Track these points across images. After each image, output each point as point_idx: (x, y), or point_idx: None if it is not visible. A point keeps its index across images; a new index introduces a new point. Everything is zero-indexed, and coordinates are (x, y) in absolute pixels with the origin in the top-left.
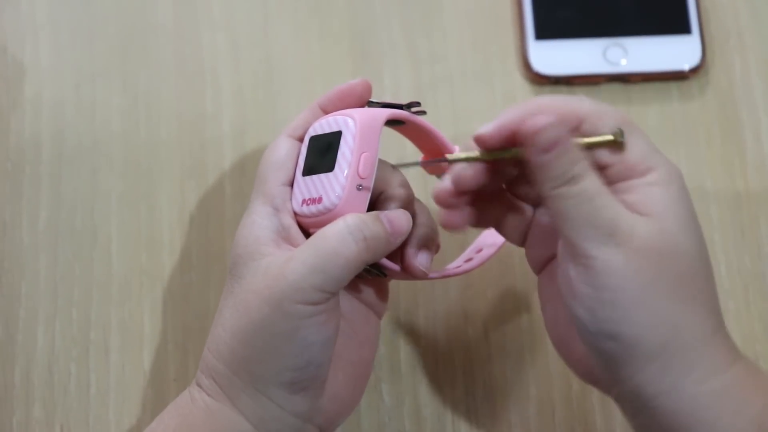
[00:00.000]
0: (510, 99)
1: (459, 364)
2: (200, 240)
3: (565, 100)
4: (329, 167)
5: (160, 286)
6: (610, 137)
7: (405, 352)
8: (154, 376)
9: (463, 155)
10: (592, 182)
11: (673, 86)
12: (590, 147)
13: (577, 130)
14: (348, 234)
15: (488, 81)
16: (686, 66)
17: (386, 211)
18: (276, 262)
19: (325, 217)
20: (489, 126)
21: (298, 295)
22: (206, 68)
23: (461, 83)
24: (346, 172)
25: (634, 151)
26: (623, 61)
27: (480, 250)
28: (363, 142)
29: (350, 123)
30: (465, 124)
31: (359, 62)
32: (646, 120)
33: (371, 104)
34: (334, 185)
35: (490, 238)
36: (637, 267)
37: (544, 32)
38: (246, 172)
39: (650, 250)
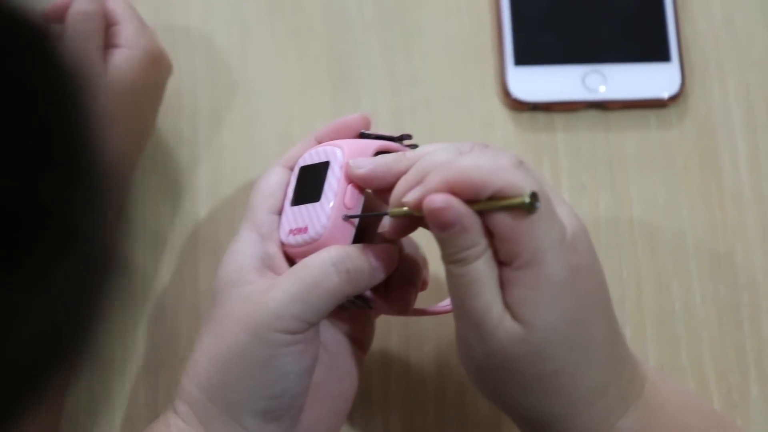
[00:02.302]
0: (488, 124)
1: (431, 392)
2: (173, 263)
3: (488, 169)
4: (316, 197)
5: (131, 310)
6: (519, 200)
7: (377, 378)
8: (124, 400)
9: (402, 211)
10: (475, 269)
11: (651, 114)
12: (500, 209)
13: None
14: (331, 265)
15: (466, 106)
16: (665, 94)
17: (373, 245)
18: (257, 289)
19: (310, 247)
20: (364, 169)
21: (278, 323)
22: (183, 89)
23: (439, 107)
24: (331, 202)
25: (530, 238)
26: (602, 88)
27: None
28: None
29: (338, 153)
30: None
31: (337, 85)
32: (624, 147)
33: (364, 135)
34: (320, 215)
35: None
36: (493, 365)
37: (523, 58)
38: (221, 195)
39: (506, 354)
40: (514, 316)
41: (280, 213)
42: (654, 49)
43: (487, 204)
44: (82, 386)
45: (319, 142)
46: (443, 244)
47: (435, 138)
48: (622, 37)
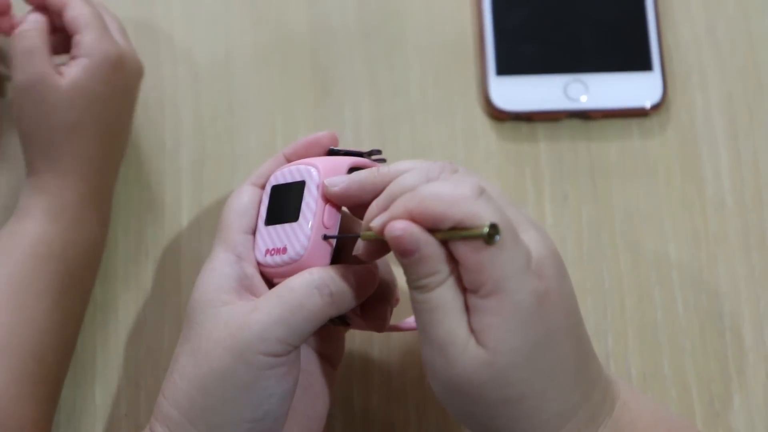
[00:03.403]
0: (470, 134)
1: (412, 402)
2: (155, 274)
3: (449, 200)
4: (293, 217)
5: (113, 320)
6: (478, 232)
7: (357, 389)
8: (105, 411)
9: (371, 235)
10: (437, 296)
11: (633, 123)
12: (460, 239)
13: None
14: (314, 288)
15: (449, 116)
16: (647, 103)
17: (354, 266)
18: (239, 311)
19: (290, 268)
20: (338, 187)
21: (262, 346)
22: (166, 100)
23: (422, 117)
24: (310, 222)
25: (493, 267)
26: (584, 98)
27: None
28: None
29: (314, 173)
30: (424, 159)
31: (320, 95)
32: (607, 157)
33: (333, 152)
34: (299, 235)
35: None
36: (459, 390)
37: (505, 68)
38: (203, 206)
39: (471, 380)
40: (480, 342)
41: (253, 232)
42: (636, 59)
43: (448, 234)
44: (63, 397)
45: (289, 160)
46: (406, 270)
47: (417, 148)
48: (604, 46)
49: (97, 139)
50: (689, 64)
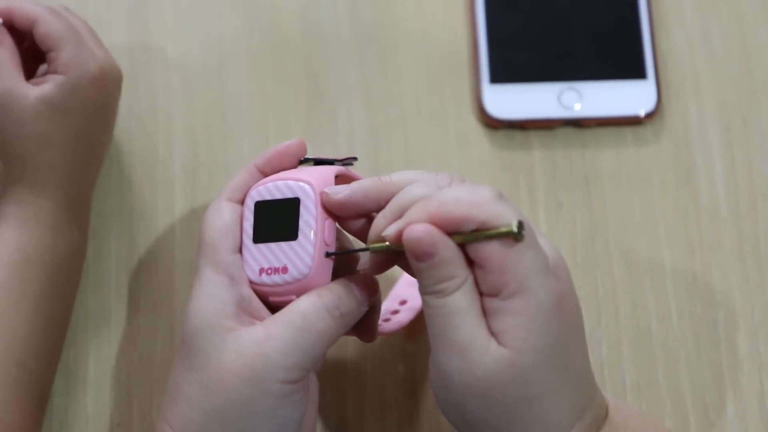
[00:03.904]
0: (464, 142)
1: (405, 412)
2: (148, 284)
3: (471, 203)
4: (291, 236)
5: (105, 330)
6: (507, 229)
7: (351, 399)
8: (98, 421)
9: (382, 246)
10: (455, 300)
11: (627, 131)
12: (485, 239)
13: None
14: (326, 311)
15: (442, 124)
16: (641, 111)
17: (355, 278)
18: (248, 338)
19: (292, 287)
20: (341, 195)
21: (282, 375)
22: (159, 108)
23: (415, 125)
24: (314, 241)
25: (517, 267)
26: (578, 106)
27: (404, 302)
28: (323, 209)
29: (308, 189)
30: (418, 167)
31: (313, 103)
32: (601, 165)
33: (305, 161)
34: (301, 255)
35: (413, 289)
36: (475, 394)
37: (499, 76)
38: (197, 215)
39: (492, 381)
40: (501, 343)
41: (239, 251)
42: (630, 67)
43: (472, 235)
44: (55, 407)
45: (262, 172)
46: (422, 275)
47: (410, 156)
48: (598, 54)
49: (70, 150)
50: (683, 72)
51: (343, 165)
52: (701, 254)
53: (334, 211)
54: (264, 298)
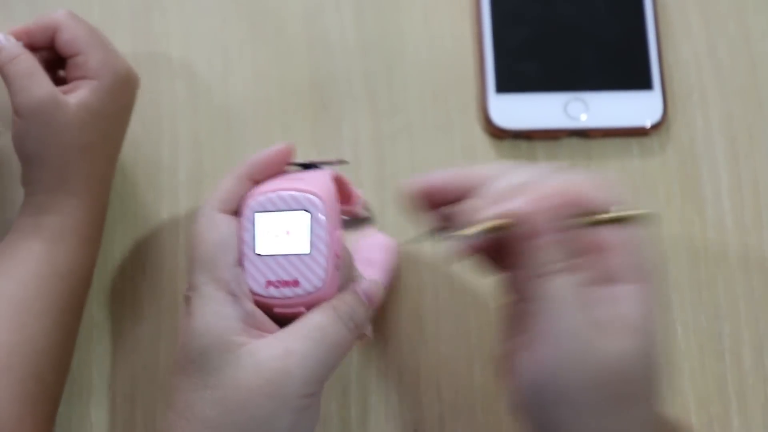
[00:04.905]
0: (469, 152)
1: (410, 422)
2: (152, 291)
3: (604, 185)
4: (302, 248)
5: (109, 337)
6: (645, 212)
7: (355, 409)
8: (101, 429)
9: (487, 227)
10: (564, 284)
11: (633, 142)
12: (625, 220)
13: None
14: (342, 325)
15: (448, 133)
16: (647, 122)
17: (361, 285)
18: (268, 354)
19: (303, 300)
20: (421, 183)
21: (303, 389)
22: (164, 116)
23: (421, 135)
24: (326, 253)
25: (642, 252)
26: (584, 116)
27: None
28: (333, 221)
29: (317, 202)
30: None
31: (318, 112)
32: (606, 176)
33: (292, 165)
34: (313, 268)
35: (375, 252)
36: (592, 384)
37: (505, 85)
38: None
39: (612, 369)
40: (615, 330)
41: (239, 264)
42: (636, 77)
43: (609, 216)
44: (59, 415)
45: (253, 179)
46: (534, 254)
47: (415, 165)
48: (604, 64)
49: (105, 158)
50: (690, 83)
51: (332, 167)
52: (706, 266)
53: (413, 196)
54: (267, 309)
